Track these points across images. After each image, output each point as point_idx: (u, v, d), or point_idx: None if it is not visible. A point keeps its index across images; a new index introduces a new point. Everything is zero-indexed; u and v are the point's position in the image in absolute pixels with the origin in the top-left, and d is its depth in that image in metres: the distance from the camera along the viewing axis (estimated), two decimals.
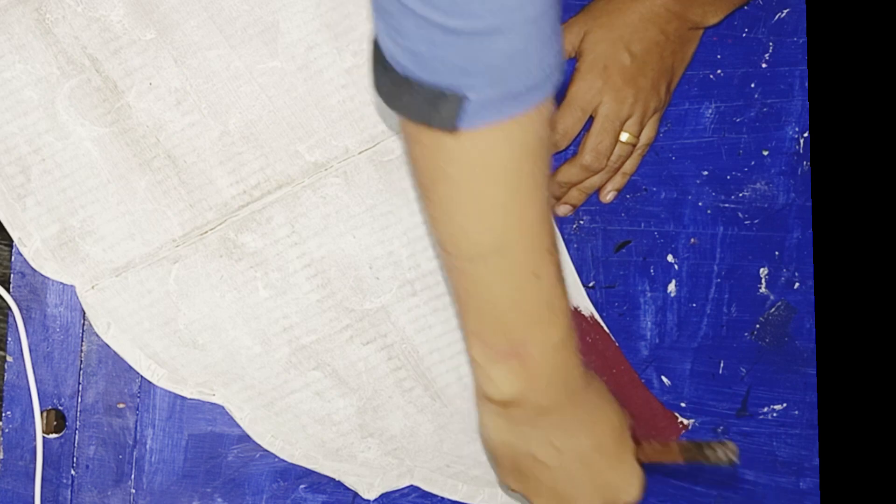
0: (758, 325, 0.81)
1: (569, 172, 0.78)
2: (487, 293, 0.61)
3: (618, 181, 0.80)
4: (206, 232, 0.78)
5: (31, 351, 0.78)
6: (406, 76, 0.55)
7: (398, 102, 0.57)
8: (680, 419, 0.81)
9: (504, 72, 0.54)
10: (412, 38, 0.53)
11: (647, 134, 0.79)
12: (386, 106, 0.58)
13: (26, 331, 0.78)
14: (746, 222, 0.81)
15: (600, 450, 0.66)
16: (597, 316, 0.80)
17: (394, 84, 0.56)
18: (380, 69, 0.57)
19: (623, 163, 0.79)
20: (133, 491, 0.78)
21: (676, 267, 0.81)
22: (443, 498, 0.80)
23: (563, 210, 0.79)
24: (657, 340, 0.81)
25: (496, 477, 0.68)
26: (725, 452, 0.62)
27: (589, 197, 0.80)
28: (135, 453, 0.79)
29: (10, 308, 0.78)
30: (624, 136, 0.77)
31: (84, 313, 0.78)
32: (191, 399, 0.79)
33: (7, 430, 0.78)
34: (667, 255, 0.81)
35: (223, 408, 0.79)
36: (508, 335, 0.62)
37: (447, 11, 0.51)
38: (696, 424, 0.81)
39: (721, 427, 0.81)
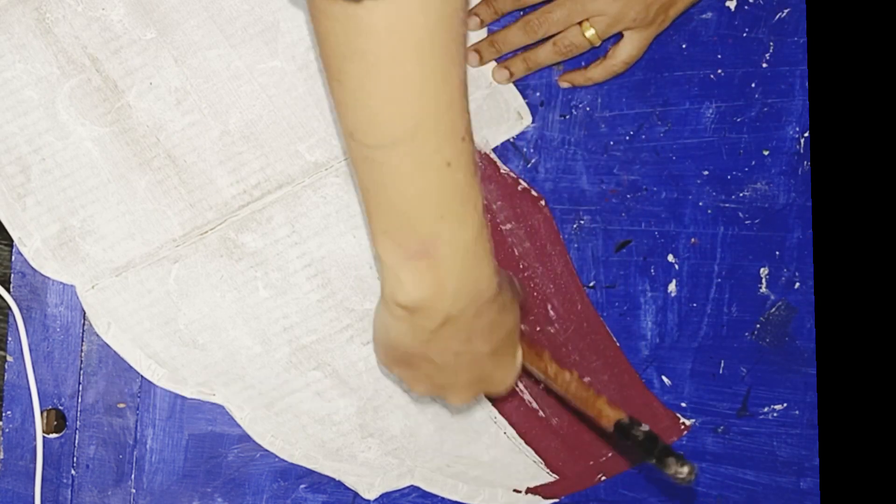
0: (758, 325, 0.81)
1: (508, 31, 0.77)
2: (398, 184, 0.58)
3: (577, 77, 0.79)
4: (207, 232, 0.78)
5: (31, 351, 0.78)
6: None
7: None
8: (681, 420, 0.81)
9: None
10: None
11: (626, 50, 0.77)
12: None
13: (26, 331, 0.78)
14: (747, 222, 0.81)
15: (494, 352, 0.65)
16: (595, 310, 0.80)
17: None
18: None
19: (571, 51, 0.77)
20: (133, 491, 0.78)
21: (677, 267, 0.81)
22: (443, 498, 0.80)
23: (501, 76, 0.78)
24: (658, 340, 0.81)
25: (375, 357, 0.67)
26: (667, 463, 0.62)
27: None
28: (135, 453, 0.79)
29: (10, 308, 0.78)
30: (589, 32, 0.76)
31: (84, 313, 0.78)
32: (191, 399, 0.79)
33: (7, 430, 0.78)
34: (667, 255, 0.81)
35: (223, 408, 0.79)
36: (418, 231, 0.59)
37: None
38: (697, 424, 0.81)
39: (721, 427, 0.81)
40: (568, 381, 0.67)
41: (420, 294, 0.60)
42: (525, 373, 0.68)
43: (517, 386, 0.80)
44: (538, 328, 0.80)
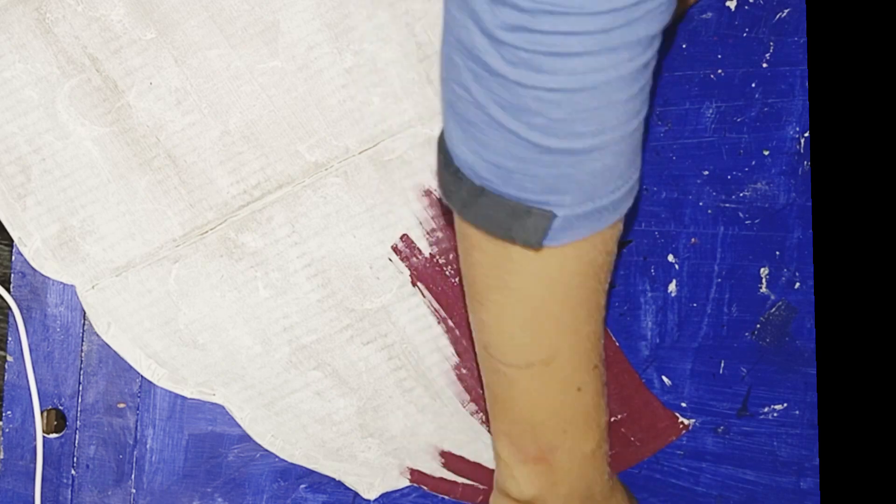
0: (758, 325, 0.81)
1: None
2: (525, 399, 0.59)
3: None
4: (207, 232, 0.78)
5: (31, 351, 0.78)
6: (484, 187, 0.52)
7: (473, 213, 0.53)
8: (681, 419, 0.81)
9: (594, 188, 0.52)
10: (499, 152, 0.50)
11: None
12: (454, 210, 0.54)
13: (26, 331, 0.78)
14: (747, 222, 0.81)
15: None
16: None
17: (469, 194, 0.53)
18: (449, 176, 0.54)
19: None
20: (133, 491, 0.78)
21: (677, 267, 0.81)
22: (443, 498, 0.80)
23: None
24: (658, 340, 0.81)
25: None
26: None
27: None
28: (135, 453, 0.79)
29: (10, 308, 0.78)
30: None
31: (84, 313, 0.78)
32: (191, 399, 0.79)
33: (7, 430, 0.78)
34: (667, 254, 0.81)
35: (223, 407, 0.79)
36: (539, 440, 0.60)
37: (546, 131, 0.49)
38: (697, 424, 0.81)
39: (721, 427, 0.81)
40: None
41: (532, 491, 0.61)
42: None
43: None
44: None
